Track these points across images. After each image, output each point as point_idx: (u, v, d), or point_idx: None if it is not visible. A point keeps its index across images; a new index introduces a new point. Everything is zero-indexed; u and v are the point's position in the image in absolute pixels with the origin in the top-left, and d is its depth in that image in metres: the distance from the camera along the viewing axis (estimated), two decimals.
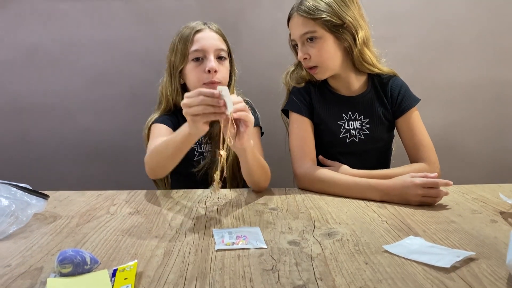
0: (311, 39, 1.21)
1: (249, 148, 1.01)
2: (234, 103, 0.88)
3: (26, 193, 0.94)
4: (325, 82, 1.34)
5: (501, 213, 0.96)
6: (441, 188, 1.02)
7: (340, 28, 1.20)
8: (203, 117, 0.88)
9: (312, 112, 1.30)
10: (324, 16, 1.19)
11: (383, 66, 1.31)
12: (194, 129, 0.92)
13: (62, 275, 0.65)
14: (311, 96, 1.31)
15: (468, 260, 0.70)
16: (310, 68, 1.26)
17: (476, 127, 1.71)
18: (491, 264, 0.69)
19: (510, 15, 1.65)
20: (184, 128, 0.97)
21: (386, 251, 0.74)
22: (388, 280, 0.64)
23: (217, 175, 0.90)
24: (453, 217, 0.93)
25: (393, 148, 1.40)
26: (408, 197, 1.03)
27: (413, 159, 1.26)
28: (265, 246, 0.77)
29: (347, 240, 0.80)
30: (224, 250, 0.76)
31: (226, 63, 1.28)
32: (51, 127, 1.67)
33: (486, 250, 0.75)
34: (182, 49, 1.24)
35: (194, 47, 1.23)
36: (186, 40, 1.24)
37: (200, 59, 1.24)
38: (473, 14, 1.63)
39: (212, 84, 1.22)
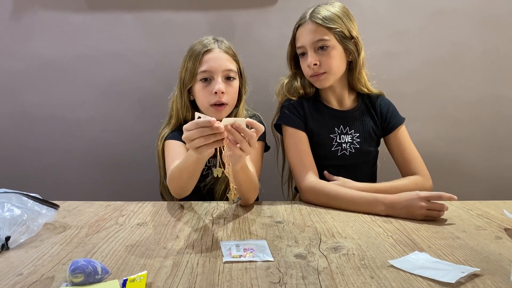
0: (322, 47, 1.26)
1: (238, 165, 1.00)
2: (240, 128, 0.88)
3: (37, 203, 0.96)
4: (317, 96, 1.37)
5: (506, 229, 0.96)
6: (443, 202, 1.04)
7: (348, 41, 1.27)
8: (208, 147, 0.88)
9: (306, 125, 1.32)
10: (337, 27, 1.25)
11: (372, 88, 1.38)
12: (200, 156, 0.92)
13: (74, 284, 0.66)
14: (305, 110, 1.33)
15: (473, 276, 0.71)
16: (316, 75, 1.28)
17: (480, 143, 1.71)
18: (495, 281, 0.70)
19: None
20: (191, 153, 0.96)
21: (392, 266, 0.75)
22: None
23: (230, 195, 0.94)
24: (457, 233, 0.94)
25: (378, 164, 1.43)
26: (413, 210, 1.04)
27: (405, 173, 1.30)
28: (272, 259, 0.78)
29: (353, 254, 0.81)
30: (232, 262, 0.77)
31: (235, 83, 1.28)
32: (61, 137, 1.69)
33: (491, 266, 0.76)
34: (191, 68, 1.26)
35: (202, 68, 1.25)
36: (195, 60, 1.25)
37: (208, 80, 1.25)
38: (478, 32, 1.65)
39: (218, 106, 1.24)
